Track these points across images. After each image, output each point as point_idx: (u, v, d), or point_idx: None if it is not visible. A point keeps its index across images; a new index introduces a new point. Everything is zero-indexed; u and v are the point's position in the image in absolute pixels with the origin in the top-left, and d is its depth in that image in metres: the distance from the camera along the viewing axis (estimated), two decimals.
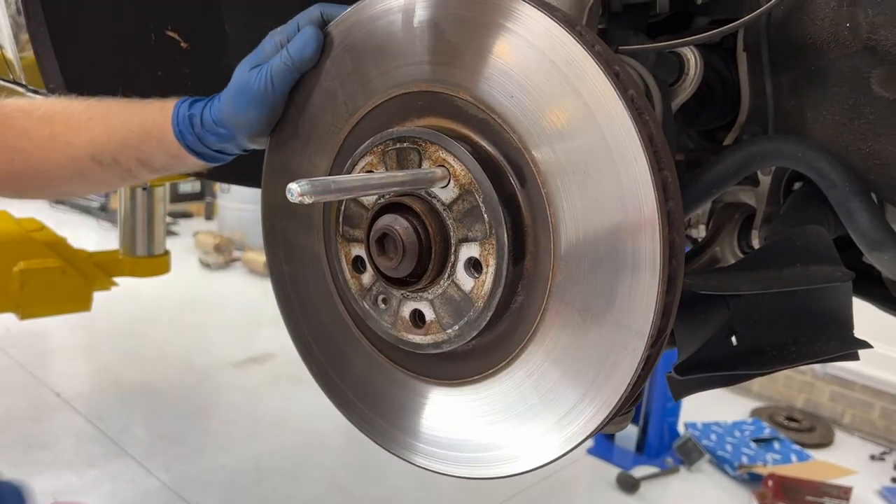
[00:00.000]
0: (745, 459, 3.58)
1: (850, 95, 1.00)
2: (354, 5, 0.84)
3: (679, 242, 0.69)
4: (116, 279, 2.50)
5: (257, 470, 3.31)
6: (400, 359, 0.87)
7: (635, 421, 3.70)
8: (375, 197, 0.80)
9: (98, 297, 4.99)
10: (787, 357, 0.96)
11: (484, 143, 0.75)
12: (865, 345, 0.98)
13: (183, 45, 1.18)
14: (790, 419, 4.13)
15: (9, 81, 1.22)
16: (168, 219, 6.71)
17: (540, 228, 0.73)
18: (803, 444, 3.89)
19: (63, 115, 1.02)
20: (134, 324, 4.88)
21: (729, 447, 3.67)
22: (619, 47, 0.93)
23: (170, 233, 6.62)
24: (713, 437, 3.75)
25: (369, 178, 0.74)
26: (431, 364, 0.84)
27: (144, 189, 2.24)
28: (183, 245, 6.42)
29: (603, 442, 3.75)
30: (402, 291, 0.80)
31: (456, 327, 0.77)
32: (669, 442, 3.70)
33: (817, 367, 4.27)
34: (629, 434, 3.69)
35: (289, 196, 0.63)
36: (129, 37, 1.17)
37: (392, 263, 0.77)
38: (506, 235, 0.72)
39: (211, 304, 5.35)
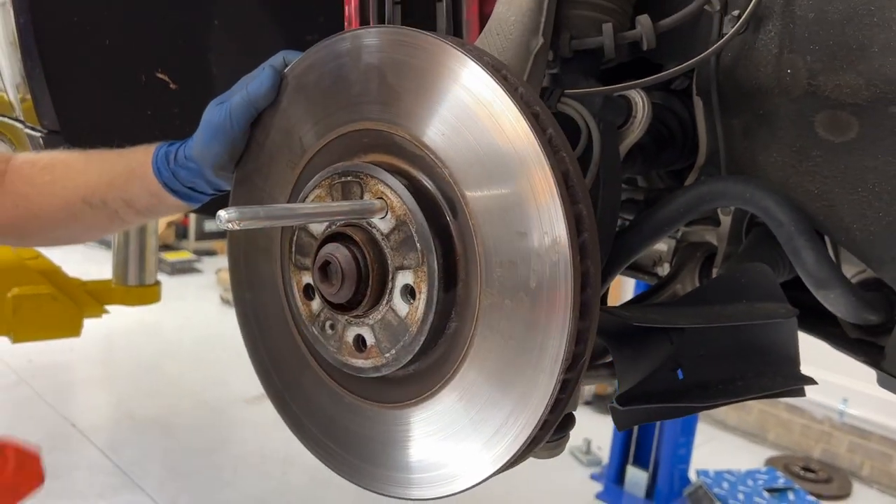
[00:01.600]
0: None
1: (796, 138, 1.03)
2: (308, 50, 0.90)
3: (594, 272, 0.73)
4: (108, 307, 2.61)
5: None
6: (347, 383, 0.91)
7: (645, 466, 3.66)
8: (324, 227, 0.85)
9: (119, 331, 5.13)
10: (733, 391, 0.98)
11: (421, 178, 0.80)
12: (810, 381, 1.00)
13: (172, 85, 1.26)
14: (806, 469, 4.04)
15: (11, 118, 1.30)
16: (192, 256, 6.87)
17: (470, 257, 0.77)
18: (819, 496, 3.80)
19: (63, 162, 1.10)
20: (153, 358, 4.98)
21: (741, 496, 3.61)
22: (566, 91, 0.98)
23: (193, 270, 6.77)
24: (725, 485, 3.69)
25: (297, 207, 0.79)
26: (376, 388, 0.88)
27: None
28: (206, 282, 6.54)
29: (612, 487, 3.71)
30: (346, 317, 0.85)
31: (393, 351, 0.81)
32: (680, 489, 3.65)
33: (836, 416, 4.19)
34: (638, 480, 3.65)
35: (217, 222, 0.69)
36: (121, 78, 1.25)
37: (333, 290, 0.81)
38: (436, 263, 0.77)
39: (229, 341, 5.41)
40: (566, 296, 0.71)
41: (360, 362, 0.85)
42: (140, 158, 1.05)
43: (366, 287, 0.81)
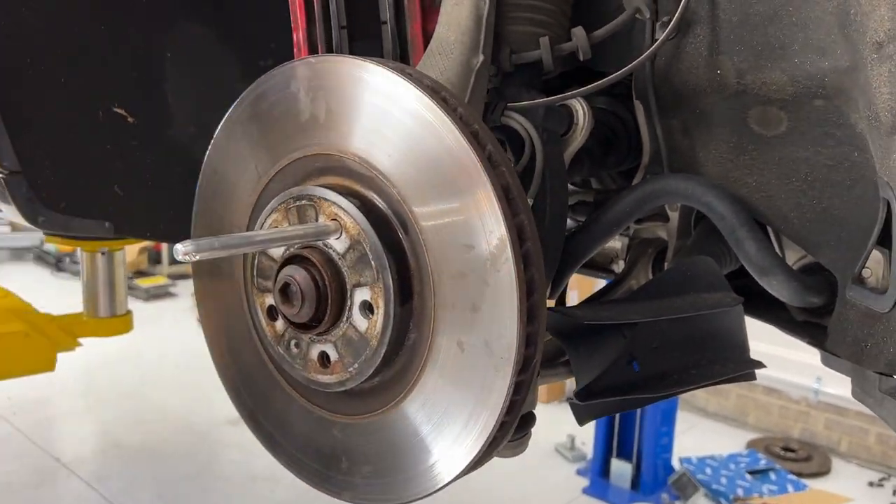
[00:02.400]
0: (740, 492, 3.58)
1: (732, 134, 1.08)
2: (258, 79, 0.93)
3: (538, 278, 0.77)
4: (83, 339, 2.62)
5: None
6: (315, 398, 0.94)
7: (629, 458, 3.72)
8: (282, 250, 0.89)
9: (98, 361, 5.10)
10: (688, 380, 1.03)
11: (372, 198, 0.84)
12: (760, 365, 1.05)
13: (129, 119, 1.28)
14: (786, 449, 4.12)
15: None
16: (167, 280, 6.84)
17: (423, 271, 0.81)
18: (800, 474, 3.88)
19: None
20: (134, 386, 4.95)
21: (724, 480, 3.67)
22: (508, 104, 1.02)
23: (168, 294, 6.73)
24: (708, 470, 3.76)
25: (252, 235, 0.82)
26: (343, 401, 0.92)
27: (103, 254, 2.35)
28: (183, 305, 6.51)
29: (598, 480, 3.76)
30: (309, 335, 0.88)
31: (356, 365, 0.85)
32: (664, 478, 3.71)
33: (811, 395, 4.28)
34: (623, 472, 3.70)
35: (176, 255, 0.72)
36: (78, 115, 1.27)
37: (294, 310, 0.85)
38: (391, 279, 0.80)
39: (209, 363, 5.39)
40: (512, 303, 0.75)
41: (325, 378, 0.88)
42: None
43: (325, 305, 0.84)
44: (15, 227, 7.80)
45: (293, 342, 0.91)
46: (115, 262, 2.39)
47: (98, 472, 3.78)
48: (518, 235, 0.76)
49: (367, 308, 0.83)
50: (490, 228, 0.76)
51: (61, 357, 3.44)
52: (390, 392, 0.87)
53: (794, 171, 1.05)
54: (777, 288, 1.04)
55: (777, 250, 1.14)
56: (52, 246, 7.24)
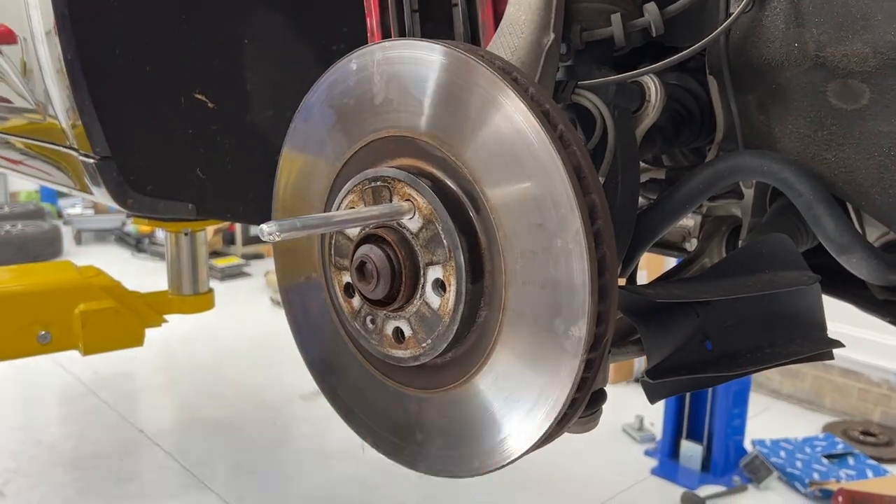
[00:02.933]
0: (816, 476, 3.50)
1: (810, 109, 1.05)
2: (332, 65, 0.96)
3: (610, 257, 0.78)
4: (167, 316, 2.75)
5: (326, 498, 3.44)
6: (390, 372, 0.97)
7: (699, 439, 3.67)
8: (359, 230, 0.92)
9: (177, 338, 5.31)
10: (761, 359, 1.01)
11: (444, 178, 0.86)
12: (838, 344, 1.03)
13: (210, 105, 1.34)
14: (866, 433, 3.99)
15: (65, 147, 1.39)
16: (241, 260, 7.04)
17: (494, 250, 0.83)
18: (880, 459, 3.76)
19: None
20: (211, 362, 5.14)
21: (799, 464, 3.59)
22: (579, 82, 1.02)
23: (243, 274, 6.95)
24: (782, 454, 3.68)
25: (331, 216, 0.85)
26: (417, 375, 0.95)
27: (186, 234, 2.45)
28: (256, 285, 6.71)
29: (667, 462, 3.73)
30: (384, 312, 0.91)
31: (429, 341, 0.87)
32: (736, 460, 3.65)
33: (893, 378, 4.13)
34: (693, 453, 3.65)
35: (261, 235, 0.75)
36: (163, 102, 1.33)
37: (370, 287, 0.88)
38: (463, 257, 0.82)
39: (282, 341, 5.56)
40: (584, 281, 0.76)
41: (399, 353, 0.91)
42: None
43: (400, 283, 0.87)
44: (98, 210, 8.17)
45: (369, 318, 0.94)
46: (198, 242, 2.49)
47: (178, 443, 3.95)
48: (589, 214, 0.77)
49: (440, 286, 0.85)
50: (561, 208, 0.77)
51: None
52: (463, 367, 0.89)
53: (876, 145, 1.02)
54: (857, 266, 1.01)
55: (857, 227, 1.11)
56: (132, 228, 7.54)
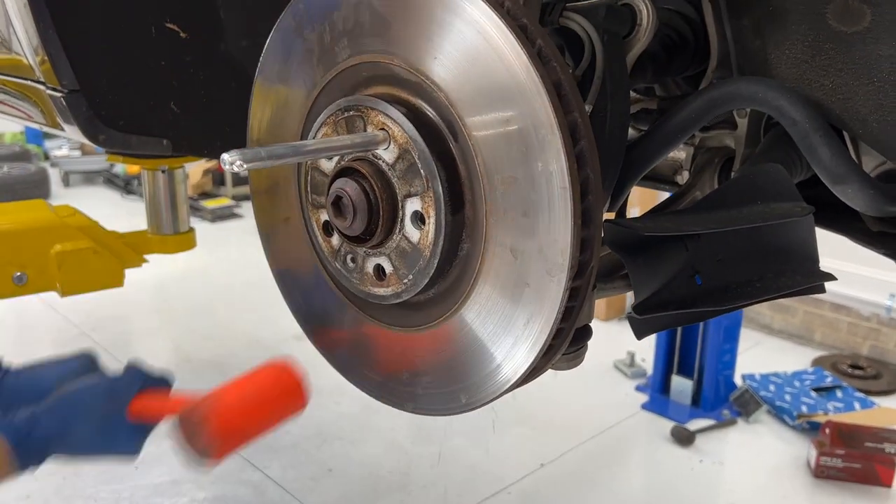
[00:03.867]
0: (804, 409, 3.54)
1: (809, 32, 1.01)
2: None
3: (594, 179, 0.74)
4: (147, 256, 2.74)
5: (319, 436, 3.48)
6: (373, 312, 0.95)
7: (689, 375, 3.70)
8: (334, 164, 0.88)
9: (170, 280, 5.29)
10: (751, 293, 0.99)
11: (420, 104, 0.82)
12: (830, 277, 1.00)
13: (182, 34, 1.27)
14: (854, 367, 4.04)
15: (33, 80, 1.34)
16: (231, 201, 6.98)
17: (473, 179, 0.79)
18: (868, 392, 3.80)
19: None
20: (205, 303, 5.13)
21: (788, 397, 3.63)
22: (567, 4, 0.97)
23: (234, 215, 6.89)
24: (772, 387, 3.71)
25: (299, 145, 0.81)
26: (400, 314, 0.92)
27: (164, 172, 2.39)
28: (247, 226, 6.66)
29: (658, 397, 3.77)
30: (364, 248, 0.88)
31: (410, 276, 0.85)
32: (726, 395, 3.69)
33: (883, 312, 4.16)
34: (684, 388, 3.69)
35: (223, 164, 0.71)
36: (132, 32, 1.26)
37: (347, 223, 0.84)
38: (441, 187, 0.79)
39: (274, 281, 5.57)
40: (566, 205, 0.72)
41: (381, 290, 0.88)
42: None
43: (377, 217, 0.83)
44: (85, 151, 8.05)
45: (349, 257, 0.91)
46: (176, 180, 2.44)
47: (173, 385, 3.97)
48: (571, 134, 0.73)
49: (419, 218, 0.82)
50: (541, 128, 0.73)
51: (136, 276, 3.57)
52: (445, 303, 0.87)
53: (876, 69, 0.97)
54: (852, 197, 0.98)
55: (854, 157, 1.08)
56: (120, 168, 7.45)
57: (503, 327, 0.81)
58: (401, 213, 0.83)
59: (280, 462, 3.27)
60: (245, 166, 0.72)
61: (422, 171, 0.79)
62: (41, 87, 1.30)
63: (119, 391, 1.05)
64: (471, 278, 0.83)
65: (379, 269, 0.88)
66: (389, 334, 0.95)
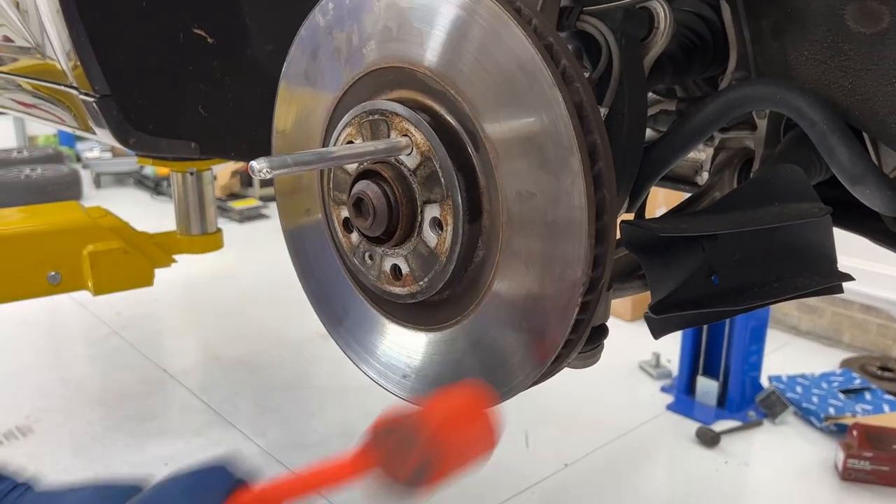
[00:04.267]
0: (832, 411, 3.50)
1: (827, 34, 1.01)
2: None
3: (609, 199, 0.76)
4: (176, 256, 2.77)
5: (346, 433, 3.51)
6: (389, 309, 0.97)
7: (715, 376, 3.68)
8: (356, 165, 0.90)
9: (199, 280, 5.37)
10: (769, 293, 1.00)
11: (444, 113, 0.83)
12: (848, 277, 1.01)
13: (209, 40, 1.31)
14: (884, 369, 3.98)
15: (66, 85, 1.38)
16: (259, 202, 7.06)
17: (492, 190, 0.81)
18: None
19: None
20: (233, 303, 5.20)
21: (815, 399, 3.59)
22: (584, 7, 0.98)
23: (261, 216, 6.97)
24: (799, 389, 3.68)
25: (325, 152, 0.83)
26: (415, 313, 0.94)
27: (192, 174, 2.44)
28: (274, 226, 6.71)
29: (683, 398, 3.75)
30: (382, 248, 0.90)
31: (426, 279, 0.87)
32: (752, 396, 3.66)
33: None
34: (709, 389, 3.67)
35: (251, 173, 0.74)
36: (161, 38, 1.30)
37: (367, 223, 0.87)
38: (460, 197, 0.81)
39: None
40: (581, 224, 0.74)
41: (397, 289, 0.91)
42: None
43: (397, 220, 0.85)
44: (116, 153, 8.19)
45: (367, 254, 0.93)
46: (204, 181, 2.49)
47: (202, 382, 4.03)
48: (590, 155, 0.74)
49: (437, 224, 0.84)
50: (561, 148, 0.74)
51: (165, 276, 3.64)
52: (459, 306, 0.89)
53: (895, 70, 0.97)
54: (870, 197, 0.98)
55: (873, 158, 1.08)
56: (150, 170, 7.56)
57: (513, 336, 0.83)
58: (420, 217, 0.85)
59: (307, 459, 3.30)
60: (272, 173, 0.74)
61: (442, 179, 0.81)
62: (74, 91, 1.34)
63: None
64: (484, 285, 0.85)
65: (396, 269, 0.90)
66: (404, 333, 0.97)
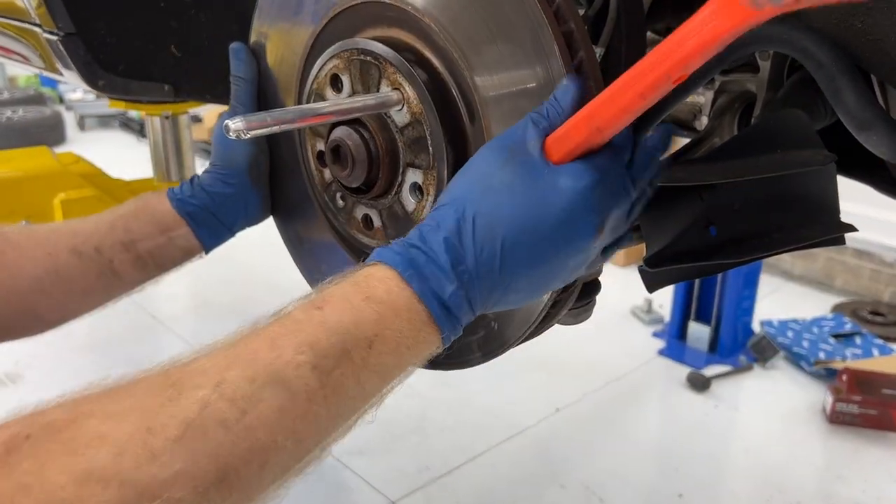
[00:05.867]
0: (822, 355, 3.51)
1: None
2: None
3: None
4: None
5: None
6: (357, 253, 0.93)
7: (707, 321, 3.68)
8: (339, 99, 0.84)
9: None
10: (769, 244, 0.96)
11: (443, 73, 0.76)
12: (851, 228, 0.96)
13: None
14: (875, 313, 3.99)
15: (30, 23, 1.30)
16: None
17: None
18: (888, 339, 3.76)
19: (65, 222, 0.91)
20: (222, 249, 5.13)
21: (806, 343, 3.60)
22: None
23: None
24: (790, 334, 3.68)
25: (308, 109, 0.76)
26: None
27: (167, 118, 2.35)
28: None
29: (674, 343, 3.75)
30: (357, 197, 0.85)
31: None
32: (744, 341, 3.67)
33: None
34: (701, 334, 3.67)
35: (226, 133, 0.68)
36: None
37: (345, 173, 0.81)
38: (446, 171, 0.75)
39: None
40: None
41: (367, 240, 0.86)
42: (151, 197, 0.92)
43: (376, 175, 0.80)
44: (100, 95, 8.01)
45: (339, 195, 0.88)
46: (181, 125, 2.39)
47: (192, 328, 4.01)
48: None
49: (418, 190, 0.79)
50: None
51: None
52: None
53: None
54: (877, 144, 0.94)
55: (881, 102, 1.02)
56: (136, 113, 7.41)
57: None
58: (400, 178, 0.80)
59: None
60: (250, 133, 0.68)
61: (431, 148, 0.76)
62: (37, 29, 1.26)
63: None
64: None
65: (367, 219, 0.85)
66: None
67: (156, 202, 0.91)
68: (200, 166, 3.10)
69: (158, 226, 0.91)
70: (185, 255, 0.93)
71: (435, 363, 0.88)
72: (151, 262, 0.95)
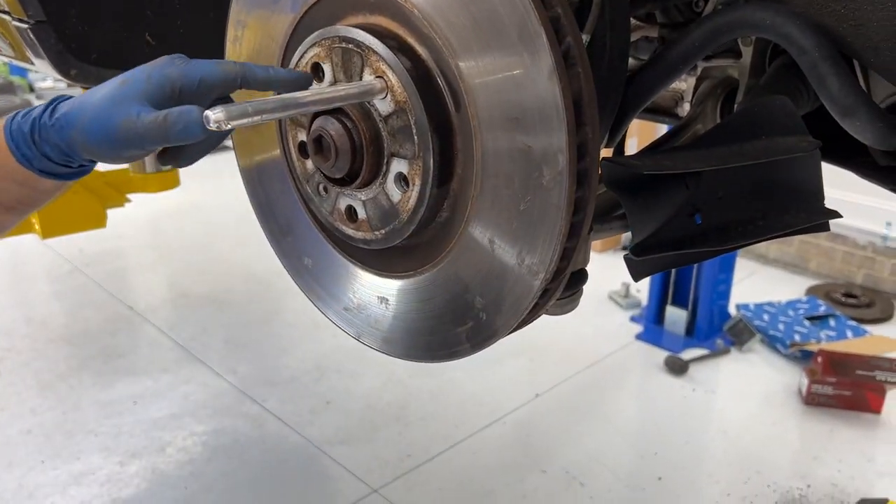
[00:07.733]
0: (797, 338, 3.56)
1: None
2: None
3: (590, 170, 0.70)
4: (130, 195, 2.63)
5: (318, 369, 3.50)
6: (340, 245, 0.92)
7: (684, 305, 3.71)
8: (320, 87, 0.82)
9: (164, 215, 5.24)
10: (754, 231, 0.96)
11: (427, 60, 0.75)
12: (836, 214, 0.97)
13: None
14: (848, 295, 4.05)
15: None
16: None
17: (467, 153, 0.74)
18: (861, 320, 3.83)
19: None
20: (200, 238, 5.10)
21: (781, 326, 3.65)
22: None
23: (226, 148, 6.77)
24: (766, 317, 3.73)
25: (289, 99, 0.73)
26: (369, 254, 0.89)
27: None
28: None
29: (652, 327, 3.79)
30: (340, 188, 0.83)
31: (383, 231, 0.81)
32: (720, 324, 3.71)
33: (878, 241, 4.14)
34: (678, 318, 3.71)
35: (206, 124, 0.66)
36: None
37: (328, 164, 0.80)
38: (432, 160, 0.74)
39: None
40: (561, 193, 0.68)
41: (350, 231, 0.85)
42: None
43: (360, 166, 0.78)
44: (72, 84, 7.85)
45: (321, 186, 0.87)
46: None
47: (169, 319, 3.97)
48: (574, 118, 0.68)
49: (403, 180, 0.77)
50: (542, 100, 0.68)
51: (128, 211, 3.52)
52: (414, 258, 0.84)
53: None
54: (860, 130, 0.94)
55: (863, 87, 1.02)
56: None
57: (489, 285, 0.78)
58: (385, 168, 0.78)
59: (278, 395, 3.29)
60: (231, 124, 0.66)
61: (416, 137, 0.74)
62: (7, 17, 1.22)
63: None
64: (444, 250, 0.80)
65: (351, 210, 0.84)
66: (358, 274, 0.92)
67: (3, 157, 0.83)
68: None
69: (15, 181, 0.85)
70: (57, 191, 0.92)
71: (426, 356, 0.88)
72: (24, 207, 0.91)
